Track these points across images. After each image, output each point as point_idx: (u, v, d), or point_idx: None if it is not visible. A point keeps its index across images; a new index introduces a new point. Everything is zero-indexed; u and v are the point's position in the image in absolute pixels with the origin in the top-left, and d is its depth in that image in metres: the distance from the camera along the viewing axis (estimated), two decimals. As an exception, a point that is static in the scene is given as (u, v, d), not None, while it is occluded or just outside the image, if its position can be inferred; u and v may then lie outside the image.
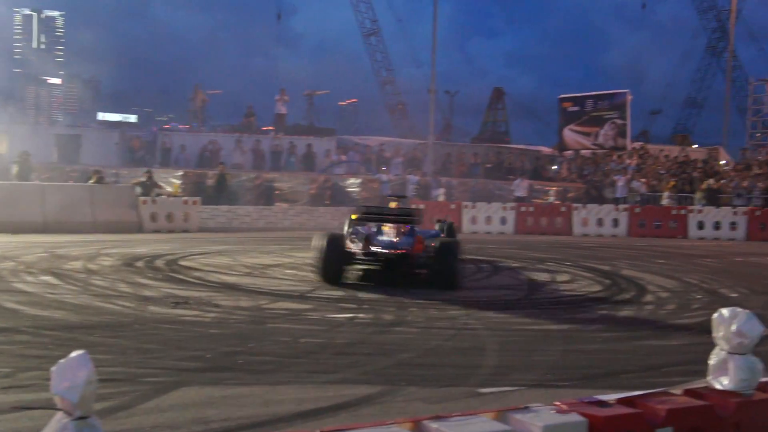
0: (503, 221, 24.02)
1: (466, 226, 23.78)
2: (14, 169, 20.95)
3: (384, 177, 26.86)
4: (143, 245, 14.85)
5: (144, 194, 20.46)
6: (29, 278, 9.67)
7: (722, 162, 31.52)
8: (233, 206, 23.27)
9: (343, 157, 29.60)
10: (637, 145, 34.75)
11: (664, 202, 25.26)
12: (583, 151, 33.30)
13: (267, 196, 24.95)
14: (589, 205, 24.31)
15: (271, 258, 13.05)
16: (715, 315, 2.94)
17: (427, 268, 9.99)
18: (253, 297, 8.73)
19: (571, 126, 34.47)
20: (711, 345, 2.97)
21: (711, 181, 26.13)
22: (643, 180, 27.17)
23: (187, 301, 8.21)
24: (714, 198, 24.96)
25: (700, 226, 23.03)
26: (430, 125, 32.54)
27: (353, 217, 10.94)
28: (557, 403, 2.58)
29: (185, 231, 19.82)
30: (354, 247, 10.20)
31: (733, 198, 25.20)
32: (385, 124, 52.74)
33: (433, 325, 7.45)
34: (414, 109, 56.06)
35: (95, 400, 2.19)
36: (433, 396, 4.92)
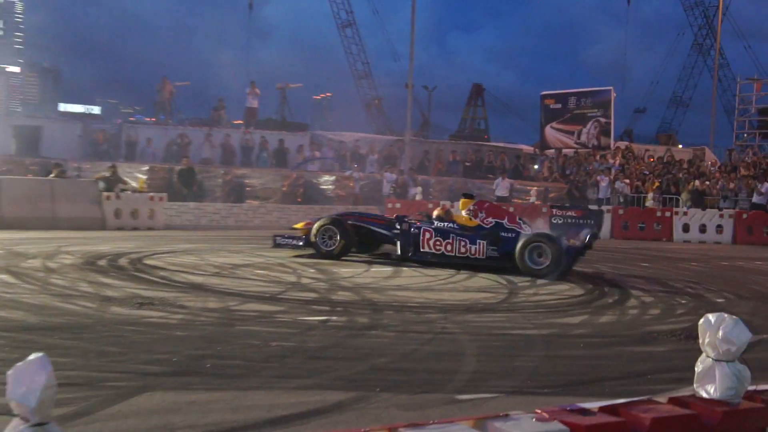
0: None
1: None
2: (-31, 161, 20.70)
3: (391, 176, 26.71)
4: (106, 243, 14.72)
5: (107, 189, 20.30)
6: (-16, 277, 9.55)
7: (708, 163, 31.84)
8: (201, 203, 23.17)
9: (317, 154, 29.56)
10: (621, 144, 35.01)
11: (649, 203, 25.49)
12: (566, 150, 33.49)
13: (237, 192, 24.86)
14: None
15: (240, 257, 13.00)
16: (701, 321, 2.96)
17: None
18: (221, 298, 8.69)
19: (553, 124, 34.64)
20: (697, 352, 2.99)
21: (697, 182, 26.41)
22: (627, 181, 27.39)
23: (152, 302, 8.14)
24: (700, 200, 25.23)
25: (686, 228, 23.28)
26: (407, 121, 32.59)
27: None
28: (538, 410, 2.58)
29: (150, 228, 19.70)
30: None
31: (720, 200, 25.47)
32: (360, 119, 52.73)
33: (410, 328, 7.45)
34: (390, 104, 56.17)
35: (54, 406, 2.16)
36: (409, 403, 4.92)
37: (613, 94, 34.06)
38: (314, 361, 5.91)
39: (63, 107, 57.67)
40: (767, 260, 17.21)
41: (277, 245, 13.80)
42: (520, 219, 13.16)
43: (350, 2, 53.80)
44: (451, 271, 12.21)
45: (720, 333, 2.86)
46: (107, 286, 9.14)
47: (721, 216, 23.21)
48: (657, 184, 26.80)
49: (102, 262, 11.39)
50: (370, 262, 12.98)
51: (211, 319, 7.48)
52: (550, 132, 34.75)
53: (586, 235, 12.43)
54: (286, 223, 21.58)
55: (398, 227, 13.13)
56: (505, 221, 12.85)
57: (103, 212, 19.55)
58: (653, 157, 32.46)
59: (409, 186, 26.96)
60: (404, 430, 2.36)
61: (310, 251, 13.28)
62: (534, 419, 2.51)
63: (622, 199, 26.40)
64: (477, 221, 12.83)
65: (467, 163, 31.09)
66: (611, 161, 30.52)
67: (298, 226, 14.02)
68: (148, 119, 34.04)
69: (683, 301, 9.95)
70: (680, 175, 28.10)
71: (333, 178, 26.71)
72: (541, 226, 13.76)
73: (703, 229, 23.15)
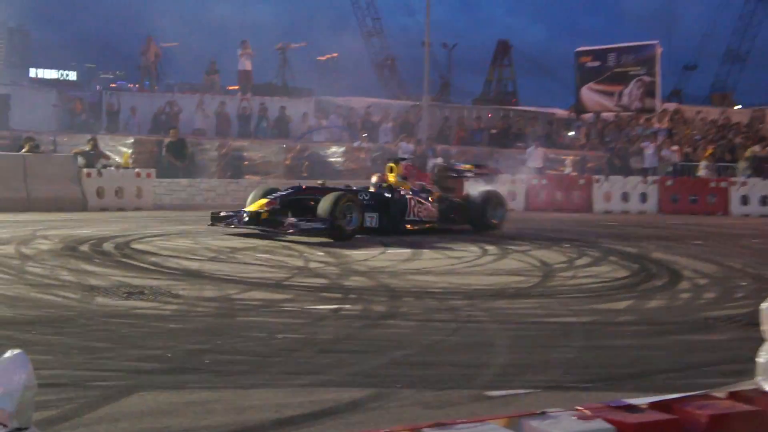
0: (512, 196, 24.05)
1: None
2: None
3: (407, 146, 26.68)
4: (88, 225, 14.80)
5: (88, 166, 20.37)
6: (-47, 265, 9.62)
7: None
8: (194, 179, 23.22)
9: (323, 122, 29.55)
10: (669, 106, 34.79)
11: (701, 173, 25.36)
12: (605, 114, 33.32)
13: (234, 167, 24.91)
14: (613, 177, 24.40)
15: (240, 240, 13.04)
16: (763, 305, 2.95)
17: None
18: (220, 286, 8.73)
19: (591, 84, 34.45)
20: (759, 340, 2.97)
21: (756, 147, 26.22)
22: (676, 147, 27.24)
23: (142, 291, 8.19)
24: (760, 168, 25.05)
25: (744, 200, 23.16)
26: (424, 84, 32.47)
27: None
28: (579, 407, 2.58)
29: (138, 209, 19.78)
30: None
31: (783, 168, 25.31)
32: (371, 83, 52.56)
33: (432, 317, 7.47)
34: (405, 65, 55.94)
35: (35, 409, 2.18)
36: (433, 400, 4.93)
37: (659, 49, 33.82)
38: (326, 355, 5.94)
39: (34, 73, 57.78)
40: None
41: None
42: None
43: (358, -52, 53.60)
44: (477, 252, 12.22)
45: (787, 318, 2.85)
46: (91, 274, 9.19)
47: (785, 185, 23.07)
48: (710, 150, 26.63)
49: (84, 248, 11.46)
50: (386, 243, 12.99)
51: (209, 310, 7.52)
52: (587, 94, 34.57)
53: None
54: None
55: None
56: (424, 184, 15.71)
57: (84, 191, 19.63)
58: (706, 120, 32.24)
59: (428, 157, 26.91)
60: (429, 430, 2.37)
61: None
62: (574, 417, 2.50)
63: (670, 169, 26.28)
64: (409, 185, 15.22)
65: (493, 131, 31.01)
66: (657, 125, 30.35)
67: (255, 205, 13.94)
68: (132, 85, 34.14)
69: (743, 284, 9.91)
70: (737, 139, 27.93)
71: (342, 149, 26.70)
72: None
73: (764, 201, 23.02)
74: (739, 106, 39.59)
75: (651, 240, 15.00)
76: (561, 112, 36.46)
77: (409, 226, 14.70)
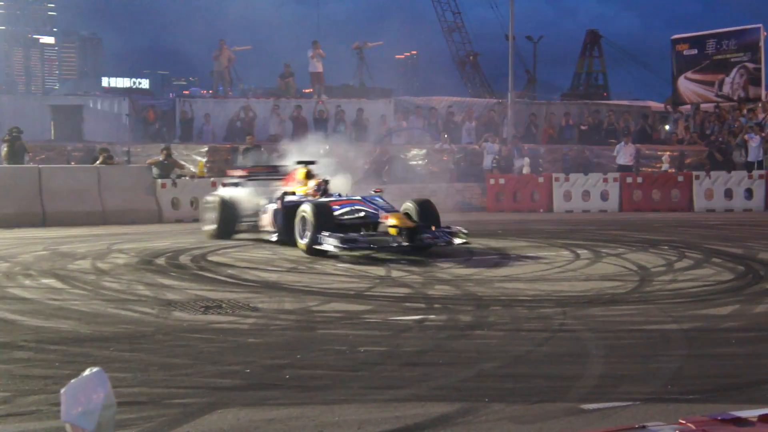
0: (604, 196, 23.79)
1: (559, 203, 23.61)
2: (2, 149, 21.31)
3: (492, 146, 26.58)
4: (163, 238, 15.10)
5: (162, 176, 20.78)
6: (27, 282, 9.91)
7: None
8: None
9: (404, 124, 29.61)
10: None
11: (812, 165, 24.65)
12: (704, 105, 32.65)
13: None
14: (714, 173, 23.88)
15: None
16: None
17: None
18: (299, 298, 8.82)
19: (688, 74, 33.80)
20: None
21: None
22: (784, 139, 26.53)
23: (220, 305, 8.32)
24: None
25: None
26: (509, 80, 32.29)
27: None
28: (682, 421, 2.54)
29: (213, 219, 20.06)
30: None
31: None
32: (453, 80, 52.55)
33: (522, 326, 7.42)
34: (488, 60, 55.75)
35: (114, 428, 2.23)
36: (525, 414, 4.90)
37: (764, 33, 33.00)
38: (411, 368, 5.94)
39: (106, 82, 59.20)
40: None
41: None
42: None
43: (435, -59, 53.65)
44: (569, 257, 12.09)
45: None
46: (168, 289, 9.37)
47: None
48: (822, 140, 25.87)
49: (160, 261, 11.69)
50: (471, 251, 12.95)
51: (289, 323, 7.60)
52: (685, 84, 33.93)
53: None
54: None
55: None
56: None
57: (158, 202, 20.03)
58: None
59: (514, 157, 26.77)
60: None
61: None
62: (678, 431, 2.47)
63: (777, 162, 25.59)
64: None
65: (583, 127, 30.65)
66: (763, 116, 29.63)
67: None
68: (205, 92, 34.71)
69: None
70: None
71: (424, 151, 26.72)
72: None
73: None
74: None
75: (758, 240, 14.65)
76: (656, 105, 35.88)
77: None
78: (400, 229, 11.97)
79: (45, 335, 7.00)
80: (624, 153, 26.14)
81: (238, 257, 12.20)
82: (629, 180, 24.10)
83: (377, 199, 13.15)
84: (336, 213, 12.64)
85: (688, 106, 33.08)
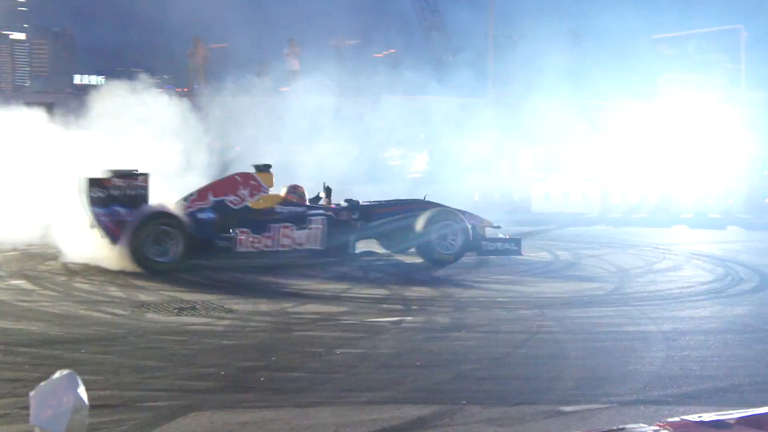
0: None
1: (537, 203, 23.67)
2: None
3: None
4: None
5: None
6: (-2, 283, 9.82)
7: None
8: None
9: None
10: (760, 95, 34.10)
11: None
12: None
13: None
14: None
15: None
16: None
17: None
18: (274, 299, 8.79)
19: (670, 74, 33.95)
20: None
21: None
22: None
23: (194, 306, 8.28)
24: None
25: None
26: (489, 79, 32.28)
27: None
28: (660, 423, 2.55)
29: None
30: None
31: None
32: (433, 80, 52.50)
33: (500, 328, 7.43)
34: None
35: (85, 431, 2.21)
36: (503, 417, 4.91)
37: (744, 34, 33.20)
38: (387, 370, 5.95)
39: (79, 79, 58.76)
40: None
41: None
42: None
43: (414, -65, 53.66)
44: (548, 258, 12.12)
45: None
46: (141, 290, 9.31)
47: None
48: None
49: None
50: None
51: (264, 325, 7.57)
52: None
53: None
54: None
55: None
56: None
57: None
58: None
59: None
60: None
61: None
62: (657, 434, 2.48)
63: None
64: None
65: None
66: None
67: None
68: (179, 90, 34.54)
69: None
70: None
71: (402, 152, 26.66)
72: None
73: None
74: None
75: (739, 242, 14.75)
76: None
77: None
78: None
79: (14, 337, 6.94)
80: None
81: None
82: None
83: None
84: None
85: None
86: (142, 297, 8.84)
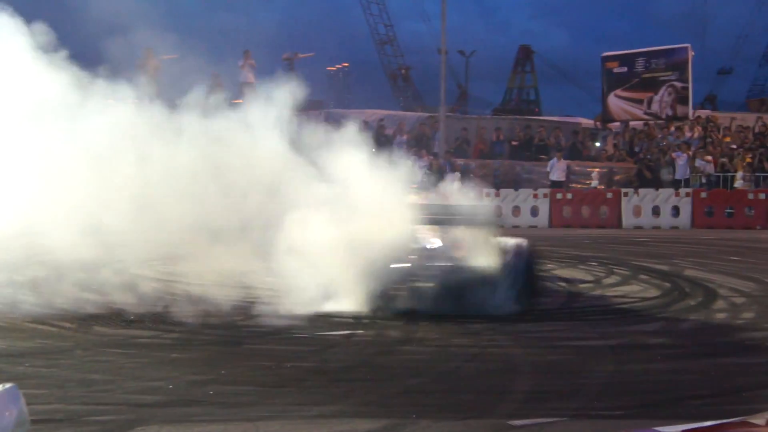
0: (534, 212, 24.07)
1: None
2: None
3: (423, 160, 26.45)
4: (87, 250, 14.79)
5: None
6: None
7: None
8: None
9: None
10: (703, 113, 34.66)
11: (738, 184, 25.19)
12: (634, 123, 33.21)
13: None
14: (643, 190, 24.30)
15: (244, 262, 13.00)
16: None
17: None
18: (225, 312, 8.72)
19: (618, 91, 34.36)
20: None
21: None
22: (710, 157, 27.11)
23: (143, 319, 8.20)
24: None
25: (785, 212, 23.01)
26: (441, 94, 32.49)
27: None
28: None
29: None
30: None
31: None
32: (384, 93, 52.72)
33: (451, 342, 7.44)
34: (420, 74, 56.05)
35: (28, 445, 2.18)
36: (452, 431, 4.91)
37: (691, 53, 33.72)
38: (338, 384, 5.93)
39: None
40: None
41: None
42: None
43: (368, -48, 53.90)
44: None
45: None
46: (88, 302, 9.19)
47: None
48: (748, 159, 26.47)
49: (80, 274, 11.45)
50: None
51: (214, 338, 7.52)
52: (614, 101, 34.47)
53: None
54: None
55: None
56: None
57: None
58: (742, 128, 32.13)
59: (445, 171, 26.91)
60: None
61: None
62: (604, 447, 2.49)
63: (704, 180, 26.12)
64: None
65: (514, 142, 30.91)
66: (689, 134, 30.24)
67: None
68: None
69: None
70: (776, 147, 27.75)
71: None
72: None
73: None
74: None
75: (684, 257, 14.93)
76: (586, 122, 36.35)
77: None
78: None
79: (-44, 350, 6.82)
80: (556, 169, 26.46)
81: (164, 270, 12.03)
82: (559, 196, 24.43)
83: None
84: None
85: (618, 124, 33.63)
86: (90, 310, 8.73)
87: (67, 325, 7.95)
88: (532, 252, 9.71)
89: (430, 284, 8.67)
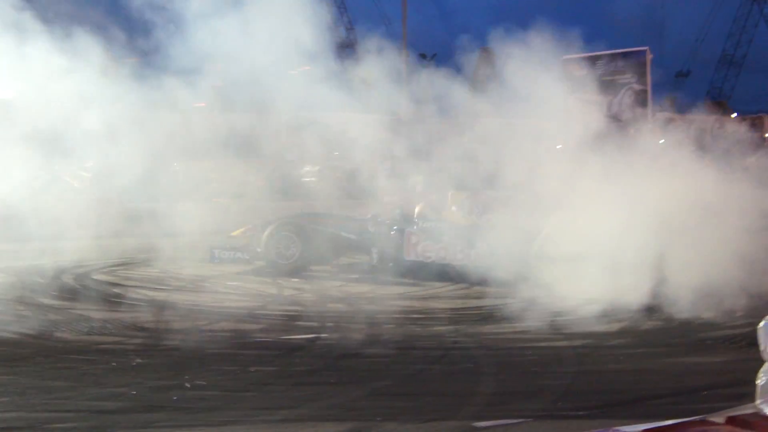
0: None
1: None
2: None
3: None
4: (44, 255, 14.67)
5: None
6: None
7: (768, 134, 31.82)
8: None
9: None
10: (661, 115, 34.94)
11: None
12: (594, 125, 33.42)
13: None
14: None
15: (209, 268, 12.96)
16: (761, 324, 2.96)
17: None
18: (188, 317, 8.68)
19: (578, 94, 34.58)
20: (759, 361, 2.99)
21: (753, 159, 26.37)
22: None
23: (105, 325, 8.14)
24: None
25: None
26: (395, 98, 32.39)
27: None
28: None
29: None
30: None
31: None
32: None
33: (415, 344, 7.46)
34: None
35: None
36: (417, 433, 4.92)
37: (649, 56, 33.99)
38: (302, 388, 5.92)
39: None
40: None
41: (216, 260, 12.95)
42: None
43: (328, -46, 53.87)
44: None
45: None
46: (49, 309, 9.11)
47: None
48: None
49: (41, 280, 11.36)
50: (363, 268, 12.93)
51: (177, 343, 7.47)
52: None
53: None
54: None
55: (372, 230, 12.33)
56: None
57: None
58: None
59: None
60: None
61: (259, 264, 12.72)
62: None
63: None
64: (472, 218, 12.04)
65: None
66: (650, 136, 30.47)
67: (236, 233, 13.14)
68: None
69: (742, 303, 9.92)
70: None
71: (317, 168, 26.62)
72: None
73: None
74: (736, 114, 39.80)
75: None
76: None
77: None
78: None
79: None
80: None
81: (125, 276, 11.95)
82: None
83: None
84: None
85: (579, 126, 33.80)
86: (51, 316, 8.64)
87: (28, 331, 7.85)
88: None
89: None
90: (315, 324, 8.34)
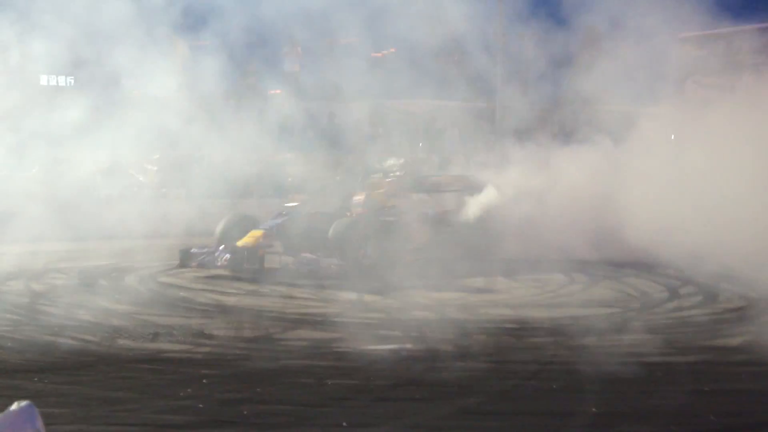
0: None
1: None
2: None
3: None
4: (106, 256, 14.89)
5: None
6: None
7: None
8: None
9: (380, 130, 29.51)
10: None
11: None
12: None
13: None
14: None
15: (284, 269, 13.00)
16: None
17: None
18: (259, 324, 8.76)
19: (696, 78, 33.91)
20: None
21: None
22: None
23: (171, 332, 8.25)
24: None
25: None
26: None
27: None
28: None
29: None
30: None
31: None
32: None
33: (509, 357, 7.42)
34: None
35: (47, 470, 2.20)
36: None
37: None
38: (384, 404, 5.93)
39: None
40: None
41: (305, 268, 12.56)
42: None
43: None
44: (562, 280, 12.06)
45: None
46: (112, 313, 9.27)
47: None
48: None
49: (103, 282, 11.55)
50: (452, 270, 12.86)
51: (248, 352, 7.54)
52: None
53: None
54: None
55: None
56: None
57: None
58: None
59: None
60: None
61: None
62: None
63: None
64: None
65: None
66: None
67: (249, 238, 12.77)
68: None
69: None
70: None
71: (401, 161, 26.58)
72: None
73: None
74: None
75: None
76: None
77: None
78: None
79: (-30, 365, 6.91)
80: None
81: (192, 278, 12.08)
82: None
83: None
84: None
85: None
86: (114, 322, 8.80)
87: (90, 338, 8.01)
88: None
89: None
90: (398, 333, 8.35)
